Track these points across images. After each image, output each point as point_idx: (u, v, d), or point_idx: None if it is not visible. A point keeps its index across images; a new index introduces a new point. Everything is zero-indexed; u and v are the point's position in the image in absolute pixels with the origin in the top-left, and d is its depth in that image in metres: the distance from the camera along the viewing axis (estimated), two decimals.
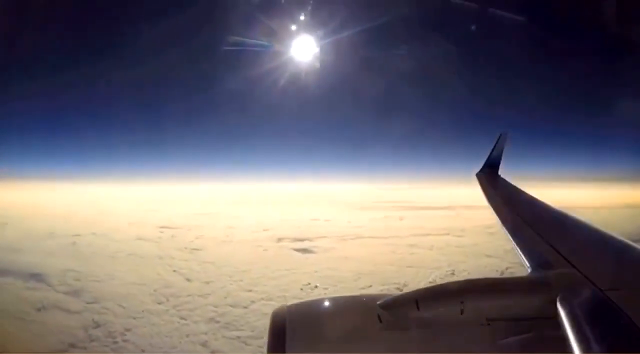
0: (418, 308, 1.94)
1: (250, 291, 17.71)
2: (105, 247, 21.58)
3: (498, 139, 5.47)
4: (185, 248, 22.36)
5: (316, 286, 18.54)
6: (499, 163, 5.29)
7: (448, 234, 25.94)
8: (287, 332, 1.89)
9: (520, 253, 2.73)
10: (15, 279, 16.97)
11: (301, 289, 18.25)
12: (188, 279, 18.63)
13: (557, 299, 1.94)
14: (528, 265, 2.53)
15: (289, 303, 2.06)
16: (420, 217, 30.51)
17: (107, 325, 14.49)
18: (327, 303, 2.11)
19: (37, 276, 17.33)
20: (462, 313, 1.93)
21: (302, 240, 24.85)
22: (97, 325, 14.39)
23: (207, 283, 18.31)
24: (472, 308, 1.94)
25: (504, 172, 5.20)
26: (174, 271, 19.38)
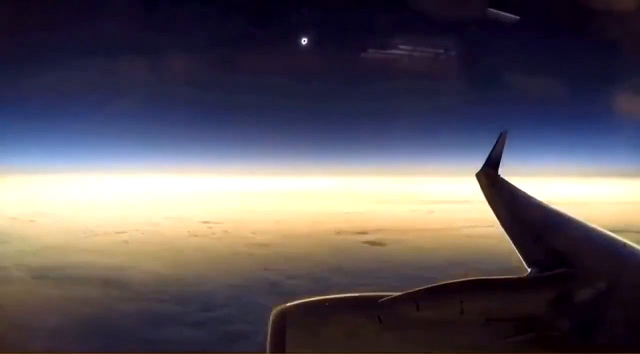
0: (418, 308, 1.92)
1: (371, 285, 15.93)
2: (162, 244, 17.46)
3: (498, 138, 5.27)
4: (252, 244, 19.24)
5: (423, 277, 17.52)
6: (499, 162, 5.08)
7: (492, 226, 26.56)
8: (287, 332, 1.88)
9: (520, 253, 2.75)
10: (89, 287, 12.58)
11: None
12: (290, 277, 15.94)
13: (557, 299, 1.98)
14: (527, 265, 2.53)
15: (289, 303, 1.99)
16: (448, 211, 30.92)
17: (253, 336, 11.53)
18: (327, 303, 2.07)
19: (113, 283, 13.08)
20: (462, 313, 1.93)
21: (360, 233, 23.31)
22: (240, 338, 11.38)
23: (315, 280, 15.91)
24: (472, 308, 1.94)
25: (505, 171, 5.13)
26: (265, 269, 16.44)
